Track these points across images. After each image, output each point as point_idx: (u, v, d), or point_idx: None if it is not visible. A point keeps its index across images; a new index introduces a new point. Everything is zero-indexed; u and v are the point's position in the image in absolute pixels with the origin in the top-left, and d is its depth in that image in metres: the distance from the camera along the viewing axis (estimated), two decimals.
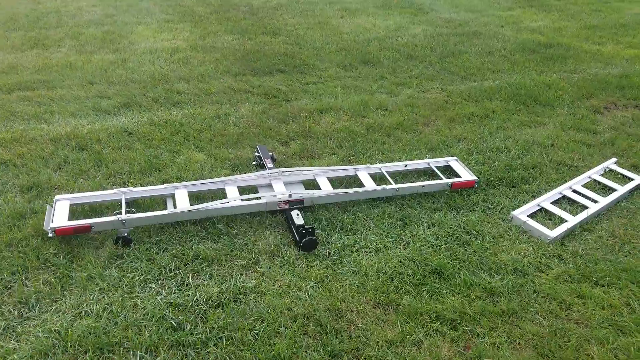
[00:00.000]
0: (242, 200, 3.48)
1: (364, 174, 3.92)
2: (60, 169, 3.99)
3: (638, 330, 2.72)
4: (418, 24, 8.91)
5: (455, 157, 4.26)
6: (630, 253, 3.34)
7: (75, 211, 3.43)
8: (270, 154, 4.10)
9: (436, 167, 4.13)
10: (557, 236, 3.40)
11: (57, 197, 3.36)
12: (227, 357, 2.46)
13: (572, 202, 3.85)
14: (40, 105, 5.11)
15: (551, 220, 3.63)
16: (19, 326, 2.58)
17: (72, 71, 6.03)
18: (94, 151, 4.22)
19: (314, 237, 3.15)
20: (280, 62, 6.64)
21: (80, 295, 2.77)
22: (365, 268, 3.07)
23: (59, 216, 3.19)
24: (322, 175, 3.86)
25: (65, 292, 2.79)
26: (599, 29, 9.03)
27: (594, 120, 5.30)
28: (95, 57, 6.57)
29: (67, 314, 2.65)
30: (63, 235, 3.13)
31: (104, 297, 2.78)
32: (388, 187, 3.75)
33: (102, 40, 7.29)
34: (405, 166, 4.11)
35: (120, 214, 3.23)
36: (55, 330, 2.54)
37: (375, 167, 4.00)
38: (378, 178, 3.96)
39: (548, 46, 7.83)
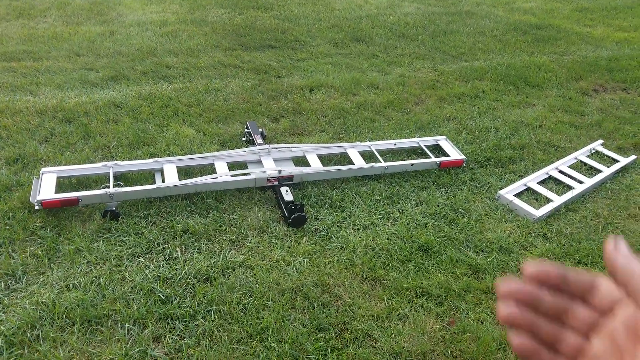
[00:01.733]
0: (232, 175, 3.47)
1: (353, 151, 3.92)
2: (46, 141, 3.93)
3: None
4: (410, 2, 8.82)
5: (444, 137, 4.27)
6: (613, 233, 3.40)
7: (62, 184, 3.40)
8: (260, 130, 4.08)
9: (425, 146, 4.14)
10: (542, 215, 3.45)
11: (43, 169, 3.32)
12: (216, 330, 2.49)
13: (558, 182, 3.90)
14: (25, 76, 5.00)
15: (537, 199, 3.68)
16: (6, 298, 2.57)
17: (59, 42, 5.90)
18: (81, 124, 4.16)
19: (303, 214, 3.16)
20: (271, 37, 6.56)
21: (68, 268, 2.77)
22: (353, 244, 3.10)
23: (46, 189, 3.16)
24: (312, 152, 3.86)
25: (52, 265, 2.79)
26: (590, 11, 9.02)
27: (582, 102, 5.33)
28: (82, 28, 6.43)
29: (54, 287, 2.65)
30: (50, 207, 3.10)
31: (91, 270, 2.78)
32: (377, 165, 3.76)
33: (89, 11, 7.13)
34: (395, 145, 4.12)
35: (108, 187, 3.21)
36: (42, 302, 2.54)
37: (365, 145, 4.01)
38: (367, 156, 3.97)
39: (539, 27, 7.81)
